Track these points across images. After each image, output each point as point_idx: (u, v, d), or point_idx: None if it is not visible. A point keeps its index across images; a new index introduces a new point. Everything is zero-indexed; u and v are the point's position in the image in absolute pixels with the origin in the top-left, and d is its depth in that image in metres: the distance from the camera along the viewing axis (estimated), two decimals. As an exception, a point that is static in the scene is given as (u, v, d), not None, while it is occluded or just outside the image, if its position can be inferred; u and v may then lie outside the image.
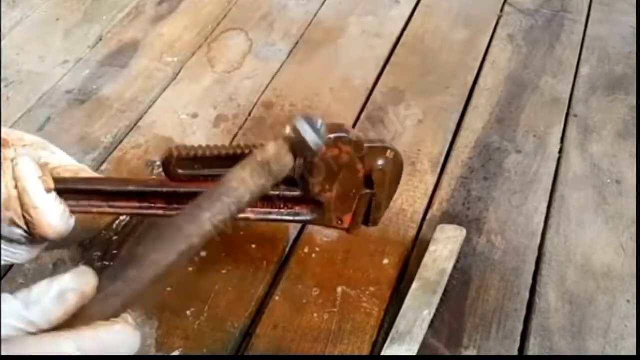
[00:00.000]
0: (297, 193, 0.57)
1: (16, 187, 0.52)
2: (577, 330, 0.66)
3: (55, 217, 0.53)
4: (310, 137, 0.46)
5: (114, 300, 0.42)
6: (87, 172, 0.57)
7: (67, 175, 0.55)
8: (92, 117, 0.89)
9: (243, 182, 0.46)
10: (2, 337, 0.38)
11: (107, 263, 0.71)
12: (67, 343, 0.39)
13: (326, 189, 0.57)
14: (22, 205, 0.53)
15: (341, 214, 0.60)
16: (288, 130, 0.47)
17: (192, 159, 0.54)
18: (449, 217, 0.76)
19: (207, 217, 0.44)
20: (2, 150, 0.53)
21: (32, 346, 0.38)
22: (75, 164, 0.57)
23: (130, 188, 0.56)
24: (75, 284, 0.41)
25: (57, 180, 0.54)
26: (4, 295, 0.40)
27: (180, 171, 0.54)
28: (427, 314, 0.64)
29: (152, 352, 0.63)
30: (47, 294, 0.41)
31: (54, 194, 0.54)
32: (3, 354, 0.37)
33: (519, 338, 0.65)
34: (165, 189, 0.56)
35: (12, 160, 0.53)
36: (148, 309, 0.66)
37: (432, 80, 0.96)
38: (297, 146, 0.46)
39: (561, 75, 0.97)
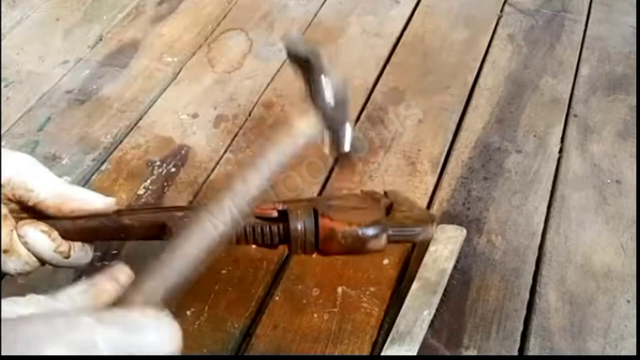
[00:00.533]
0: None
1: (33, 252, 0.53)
2: (577, 330, 0.66)
3: (80, 263, 0.56)
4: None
5: (151, 287, 0.39)
6: (70, 199, 0.53)
7: (50, 211, 0.52)
8: (92, 117, 0.89)
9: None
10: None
11: (107, 263, 0.71)
12: (87, 319, 0.33)
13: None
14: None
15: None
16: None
17: None
18: (449, 217, 0.76)
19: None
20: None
21: (40, 323, 0.32)
22: (56, 194, 0.52)
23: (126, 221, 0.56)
24: (106, 275, 0.38)
25: (66, 234, 0.54)
26: (30, 296, 0.36)
27: None
28: (427, 314, 0.64)
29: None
30: (75, 286, 0.37)
31: (72, 253, 0.54)
32: (5, 332, 0.31)
33: (519, 338, 0.65)
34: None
35: (16, 233, 0.52)
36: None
37: (432, 80, 0.96)
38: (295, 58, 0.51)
39: (561, 75, 0.97)
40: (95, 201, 0.53)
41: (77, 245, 0.54)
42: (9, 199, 0.51)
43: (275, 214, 0.56)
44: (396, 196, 0.61)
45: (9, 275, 0.54)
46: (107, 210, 0.54)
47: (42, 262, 0.54)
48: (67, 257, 0.53)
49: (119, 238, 0.58)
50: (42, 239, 0.52)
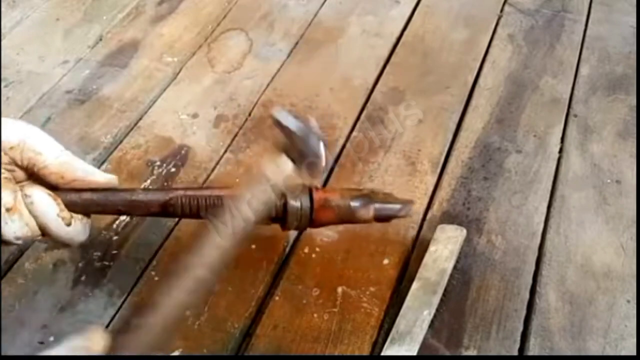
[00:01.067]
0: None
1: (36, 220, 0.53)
2: (577, 330, 0.66)
3: (78, 238, 0.57)
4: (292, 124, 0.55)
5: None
6: (74, 167, 0.55)
7: (52, 178, 0.54)
8: (92, 117, 0.89)
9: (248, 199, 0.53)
10: None
11: (107, 263, 0.71)
12: None
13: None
14: (47, 235, 0.55)
15: None
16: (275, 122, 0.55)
17: None
18: (449, 217, 0.76)
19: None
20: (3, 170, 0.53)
21: None
22: (61, 161, 0.54)
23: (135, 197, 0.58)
24: (83, 342, 0.40)
25: (67, 203, 0.55)
26: None
27: None
28: (427, 314, 0.64)
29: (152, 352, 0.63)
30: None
31: (73, 222, 0.55)
32: None
33: (519, 338, 0.65)
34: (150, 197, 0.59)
35: (22, 193, 0.53)
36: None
37: (432, 80, 0.96)
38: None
39: (561, 75, 0.97)
40: (97, 173, 0.56)
41: (78, 217, 0.56)
42: (16, 164, 0.53)
43: None
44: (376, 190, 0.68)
45: (9, 245, 0.54)
46: (107, 184, 0.56)
47: (42, 230, 0.54)
48: (69, 224, 0.54)
49: (120, 213, 0.61)
50: (47, 200, 0.53)
